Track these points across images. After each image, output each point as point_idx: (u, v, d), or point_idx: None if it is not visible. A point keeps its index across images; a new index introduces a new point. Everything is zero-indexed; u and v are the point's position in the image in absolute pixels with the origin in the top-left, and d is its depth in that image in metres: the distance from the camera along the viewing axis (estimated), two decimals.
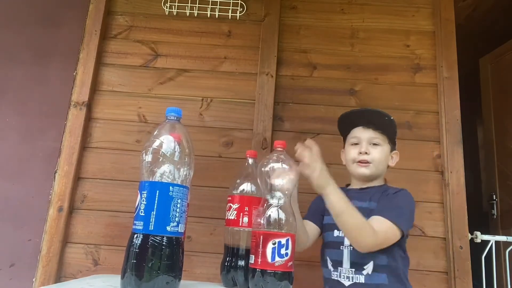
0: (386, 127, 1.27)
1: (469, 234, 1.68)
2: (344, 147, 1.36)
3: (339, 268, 1.17)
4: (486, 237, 1.75)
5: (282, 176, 0.92)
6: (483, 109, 2.68)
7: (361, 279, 1.13)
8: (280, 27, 1.95)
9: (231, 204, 0.99)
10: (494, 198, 2.42)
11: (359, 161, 1.25)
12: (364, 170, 1.25)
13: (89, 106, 1.85)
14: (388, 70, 1.90)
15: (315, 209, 1.32)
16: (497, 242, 1.80)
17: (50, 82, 1.90)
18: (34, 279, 1.65)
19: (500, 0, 2.49)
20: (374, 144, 1.25)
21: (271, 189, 0.92)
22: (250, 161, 1.07)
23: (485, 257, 1.76)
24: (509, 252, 1.84)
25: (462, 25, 2.45)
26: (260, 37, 1.93)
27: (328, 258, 1.22)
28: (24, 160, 1.80)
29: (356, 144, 1.27)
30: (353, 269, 1.14)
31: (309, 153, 1.02)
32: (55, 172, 1.77)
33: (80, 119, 1.81)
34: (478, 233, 1.73)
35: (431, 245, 1.69)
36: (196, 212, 1.70)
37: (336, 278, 1.17)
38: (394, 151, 1.32)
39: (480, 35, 2.85)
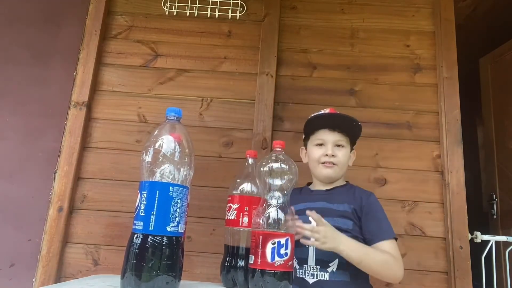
0: (351, 130, 1.31)
1: (469, 234, 1.68)
2: (304, 146, 1.39)
3: (304, 265, 1.18)
4: (486, 237, 1.75)
5: (281, 176, 0.92)
6: (483, 109, 2.68)
7: (325, 276, 1.15)
8: (280, 27, 1.95)
9: (231, 204, 0.99)
10: (494, 198, 2.42)
11: (324, 162, 1.28)
12: (329, 171, 1.29)
13: (89, 106, 1.85)
14: (388, 70, 1.90)
15: None
16: (497, 242, 1.79)
17: (50, 82, 1.90)
18: (34, 279, 1.65)
19: (500, 0, 2.49)
20: (339, 146, 1.29)
21: (270, 189, 0.92)
22: (250, 161, 1.07)
23: (485, 257, 1.76)
24: (509, 252, 1.84)
25: (462, 25, 2.45)
26: (260, 37, 1.93)
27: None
28: (24, 160, 1.80)
29: (320, 145, 1.30)
30: (318, 267, 1.16)
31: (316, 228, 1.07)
32: (55, 172, 1.77)
33: (80, 119, 1.81)
34: (478, 233, 1.73)
35: (431, 245, 1.69)
36: (196, 212, 1.70)
37: (301, 276, 1.18)
38: (352, 151, 1.36)
39: (480, 35, 2.85)
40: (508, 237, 1.79)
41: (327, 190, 1.31)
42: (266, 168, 0.93)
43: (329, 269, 1.15)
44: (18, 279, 1.66)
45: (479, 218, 2.49)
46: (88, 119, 1.85)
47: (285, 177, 0.92)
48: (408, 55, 1.92)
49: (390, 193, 1.76)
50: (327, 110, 1.35)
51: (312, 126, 1.34)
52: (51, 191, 1.75)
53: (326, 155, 1.27)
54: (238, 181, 1.03)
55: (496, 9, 2.59)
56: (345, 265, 1.15)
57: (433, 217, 1.72)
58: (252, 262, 0.86)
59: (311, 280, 1.16)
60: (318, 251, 1.17)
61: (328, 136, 1.29)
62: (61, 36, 1.97)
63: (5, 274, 1.67)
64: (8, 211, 1.74)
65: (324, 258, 1.17)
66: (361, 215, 1.22)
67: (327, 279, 1.15)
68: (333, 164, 1.27)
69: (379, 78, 1.90)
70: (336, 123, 1.30)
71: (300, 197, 1.32)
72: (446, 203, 1.71)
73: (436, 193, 1.75)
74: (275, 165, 0.93)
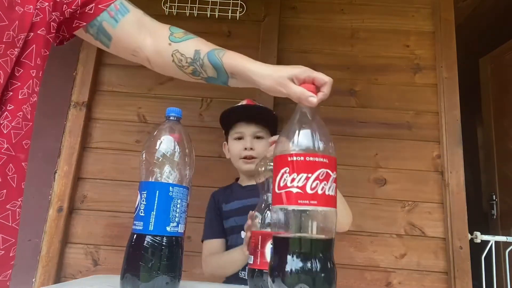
0: (268, 121, 1.29)
1: (469, 234, 1.68)
2: (226, 141, 1.37)
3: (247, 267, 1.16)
4: (486, 237, 1.75)
5: None
6: (483, 109, 2.68)
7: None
8: (280, 27, 1.95)
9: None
10: (494, 198, 2.42)
11: (245, 157, 1.25)
12: (250, 166, 1.25)
13: (89, 106, 1.85)
14: (388, 70, 1.90)
15: (215, 219, 1.33)
16: (496, 242, 1.79)
17: (50, 82, 1.90)
18: (34, 279, 1.65)
19: (500, 0, 2.49)
20: (258, 138, 1.27)
21: (269, 189, 0.90)
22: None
23: (484, 257, 1.76)
24: (509, 252, 1.84)
25: (462, 25, 2.45)
26: (260, 37, 1.93)
27: None
28: None
29: (240, 138, 1.28)
30: None
31: None
32: (55, 172, 1.77)
33: (80, 119, 1.81)
34: (478, 233, 1.73)
35: (431, 245, 1.69)
36: (196, 212, 1.69)
37: (244, 277, 1.15)
38: None
39: (480, 35, 2.85)
40: (508, 237, 1.79)
41: (244, 187, 1.29)
42: (265, 168, 0.92)
43: None
44: (18, 279, 1.66)
45: (479, 218, 2.49)
46: (88, 119, 1.85)
47: None
48: (408, 55, 1.92)
49: (390, 193, 1.76)
50: (244, 102, 1.33)
51: (229, 120, 1.32)
52: (51, 191, 1.75)
53: (245, 148, 1.24)
54: (291, 131, 0.66)
55: (496, 9, 2.59)
56: None
57: (433, 217, 1.72)
58: (252, 263, 0.85)
59: None
60: None
61: (245, 129, 1.26)
62: None
63: None
64: None
65: None
66: None
67: None
68: (253, 157, 1.24)
69: (379, 78, 1.90)
70: (251, 115, 1.28)
71: (233, 195, 1.30)
72: (446, 203, 1.71)
73: (436, 193, 1.74)
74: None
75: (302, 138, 0.64)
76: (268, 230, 0.85)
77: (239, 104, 1.33)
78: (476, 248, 1.78)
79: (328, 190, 0.60)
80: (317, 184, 0.59)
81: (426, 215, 1.72)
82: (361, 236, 1.71)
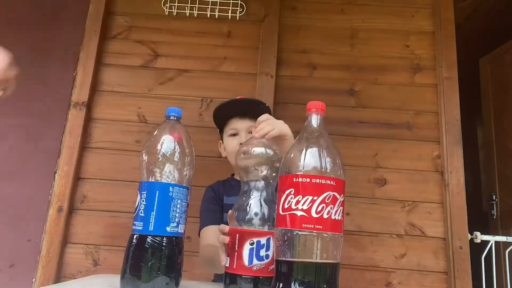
0: (261, 114, 1.26)
1: (469, 235, 1.68)
2: (221, 139, 1.35)
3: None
4: (486, 237, 1.75)
5: (265, 163, 0.78)
6: (483, 109, 2.68)
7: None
8: (280, 27, 1.95)
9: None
10: (494, 198, 2.43)
11: None
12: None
13: (89, 106, 1.85)
14: (388, 71, 1.90)
15: (216, 208, 1.29)
16: (496, 243, 1.79)
17: (50, 82, 1.90)
18: (34, 279, 1.65)
19: (500, 0, 2.49)
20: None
21: (252, 178, 0.78)
22: (315, 118, 0.67)
23: (484, 258, 1.76)
24: (509, 252, 1.84)
25: (462, 25, 2.45)
26: (260, 37, 1.93)
27: None
28: (24, 160, 1.80)
29: (234, 134, 1.25)
30: None
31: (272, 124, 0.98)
32: (55, 172, 1.77)
33: (80, 119, 1.81)
34: (478, 234, 1.73)
35: (431, 245, 1.69)
36: (196, 212, 1.69)
37: None
38: None
39: (480, 35, 2.85)
40: (508, 237, 1.79)
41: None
42: (248, 154, 0.80)
43: None
44: (18, 279, 1.66)
45: (479, 218, 2.49)
46: (88, 119, 1.85)
47: (270, 164, 0.78)
48: (408, 55, 1.92)
49: (390, 193, 1.76)
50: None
51: (222, 118, 1.29)
52: (51, 191, 1.75)
53: (241, 144, 1.19)
54: (297, 150, 0.64)
55: (496, 9, 2.59)
56: None
57: (433, 217, 1.72)
58: (228, 266, 0.73)
59: None
60: None
61: (239, 124, 1.24)
62: (61, 36, 1.97)
63: (5, 274, 1.67)
64: (8, 211, 1.74)
65: None
66: None
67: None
68: None
69: (379, 78, 1.90)
70: (244, 109, 1.25)
71: (233, 190, 1.27)
72: (446, 203, 1.71)
73: (436, 193, 1.75)
74: (259, 150, 0.80)
75: (309, 158, 0.62)
76: (248, 228, 0.74)
77: (232, 99, 1.31)
78: (476, 248, 1.78)
79: (335, 215, 0.59)
80: (323, 207, 0.58)
81: (426, 215, 1.72)
82: (361, 236, 1.71)
